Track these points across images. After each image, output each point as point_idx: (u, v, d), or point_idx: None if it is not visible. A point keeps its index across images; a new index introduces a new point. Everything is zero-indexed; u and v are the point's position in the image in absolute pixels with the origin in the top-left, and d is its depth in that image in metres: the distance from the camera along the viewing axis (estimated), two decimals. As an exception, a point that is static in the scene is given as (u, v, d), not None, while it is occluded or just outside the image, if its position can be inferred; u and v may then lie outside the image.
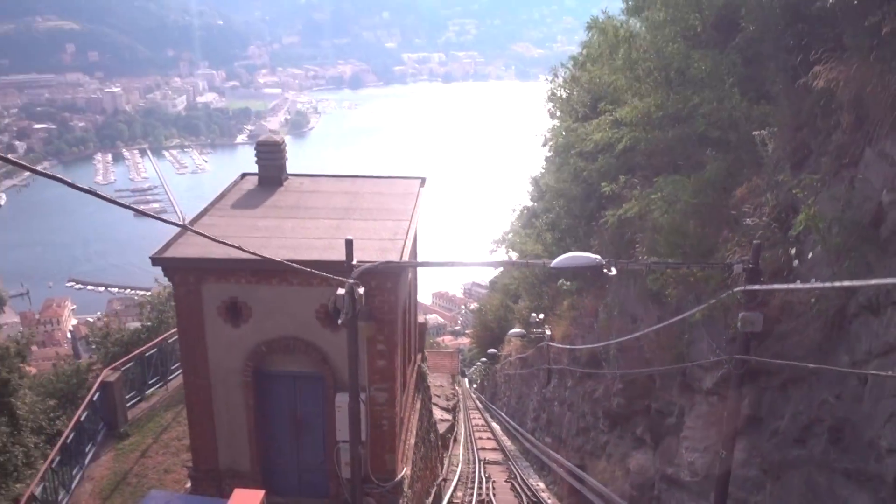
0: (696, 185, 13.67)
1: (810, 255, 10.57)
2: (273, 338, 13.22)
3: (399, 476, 14.10)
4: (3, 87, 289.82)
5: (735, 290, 10.99)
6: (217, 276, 12.88)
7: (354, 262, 11.49)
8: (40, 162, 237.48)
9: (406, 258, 13.11)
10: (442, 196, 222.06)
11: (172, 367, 19.09)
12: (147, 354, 18.46)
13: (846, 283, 8.19)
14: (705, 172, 13.72)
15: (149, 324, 32.42)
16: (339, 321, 11.46)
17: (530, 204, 42.48)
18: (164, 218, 7.93)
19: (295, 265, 10.84)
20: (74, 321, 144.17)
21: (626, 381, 18.50)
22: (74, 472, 14.67)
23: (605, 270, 11.03)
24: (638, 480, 17.53)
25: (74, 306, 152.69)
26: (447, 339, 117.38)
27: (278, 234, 13.90)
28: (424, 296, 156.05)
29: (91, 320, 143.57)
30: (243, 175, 17.53)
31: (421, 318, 21.77)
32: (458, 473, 25.29)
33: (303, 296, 12.95)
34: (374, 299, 12.43)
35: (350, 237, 11.78)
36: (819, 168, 10.84)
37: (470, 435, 37.06)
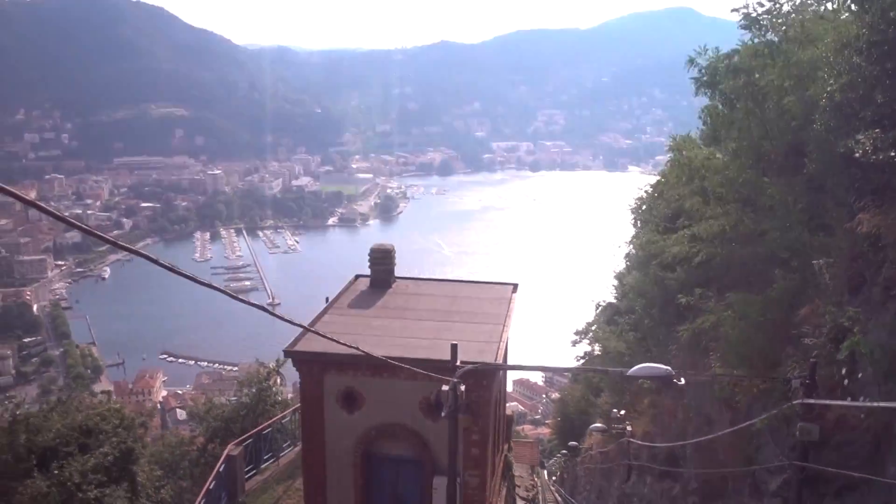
0: (764, 304, 15.27)
1: (860, 375, 12.00)
2: (381, 424, 15.26)
3: (488, 555, 15.70)
4: (117, 167, 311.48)
5: (793, 402, 12.44)
6: (337, 369, 15.10)
7: (458, 363, 13.50)
8: (143, 239, 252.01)
9: (500, 360, 15.06)
10: (527, 281, 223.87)
11: (284, 445, 21.33)
12: (264, 432, 20.81)
13: (891, 405, 9.65)
14: (772, 291, 15.31)
15: (246, 400, 34.84)
16: (442, 414, 13.40)
17: (613, 300, 43.97)
18: (287, 319, 9.78)
19: (404, 364, 12.93)
20: (164, 392, 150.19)
21: (701, 480, 19.62)
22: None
23: (674, 381, 12.69)
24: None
25: (165, 378, 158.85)
26: (527, 427, 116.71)
27: (389, 333, 16.11)
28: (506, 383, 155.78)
29: (180, 392, 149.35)
30: (357, 276, 19.97)
31: (508, 411, 23.49)
32: (537, 563, 26.29)
33: (408, 388, 14.97)
34: (471, 395, 14.34)
35: (454, 341, 13.83)
36: (871, 297, 12.37)
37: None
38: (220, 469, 18.09)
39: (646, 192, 29.16)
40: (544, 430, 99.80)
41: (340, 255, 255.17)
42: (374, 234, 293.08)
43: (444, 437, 14.06)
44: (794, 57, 14.60)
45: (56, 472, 20.82)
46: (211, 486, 17.36)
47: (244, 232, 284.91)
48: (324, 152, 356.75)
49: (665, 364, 20.10)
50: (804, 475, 12.56)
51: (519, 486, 33.20)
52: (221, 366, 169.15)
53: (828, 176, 14.32)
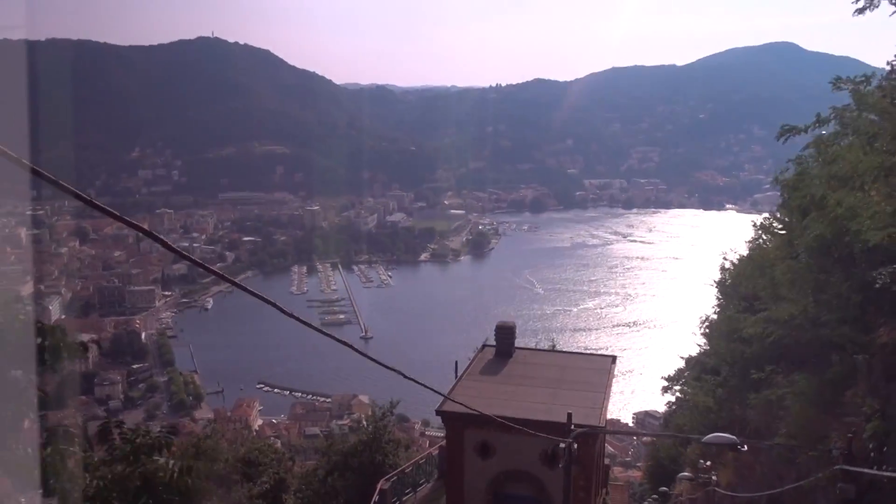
0: (820, 385, 19.15)
1: (885, 448, 15.86)
2: (508, 470, 19.85)
3: (590, 578, 19.99)
4: (222, 202, 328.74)
5: (835, 468, 16.34)
6: (475, 426, 19.78)
7: (572, 426, 17.98)
8: (244, 272, 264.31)
9: (603, 423, 19.46)
10: (620, 321, 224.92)
11: (420, 481, 26.16)
12: (407, 469, 25.73)
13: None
14: (827, 374, 19.18)
15: (364, 437, 39.83)
16: (560, 465, 17.86)
17: (699, 351, 47.48)
18: (428, 386, 13.58)
19: (528, 425, 17.47)
20: (260, 421, 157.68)
21: (773, 527, 23.28)
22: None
23: (739, 447, 16.82)
24: None
25: (262, 407, 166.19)
26: (617, 470, 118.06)
27: (514, 397, 20.74)
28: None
29: (275, 421, 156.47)
30: (483, 346, 24.71)
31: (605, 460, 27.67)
32: None
33: (530, 443, 19.46)
34: (580, 451, 18.75)
35: (568, 407, 18.33)
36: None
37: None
38: (375, 500, 22.96)
39: (729, 266, 32.92)
40: (635, 473, 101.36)
41: (432, 290, 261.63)
42: (465, 269, 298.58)
43: (557, 481, 18.49)
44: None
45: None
46: (369, 513, 22.24)
47: (339, 266, 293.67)
48: (417, 189, 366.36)
49: (743, 423, 24.47)
50: (844, 525, 16.36)
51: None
52: (314, 396, 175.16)
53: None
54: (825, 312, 19.87)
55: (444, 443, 27.71)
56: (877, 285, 15.37)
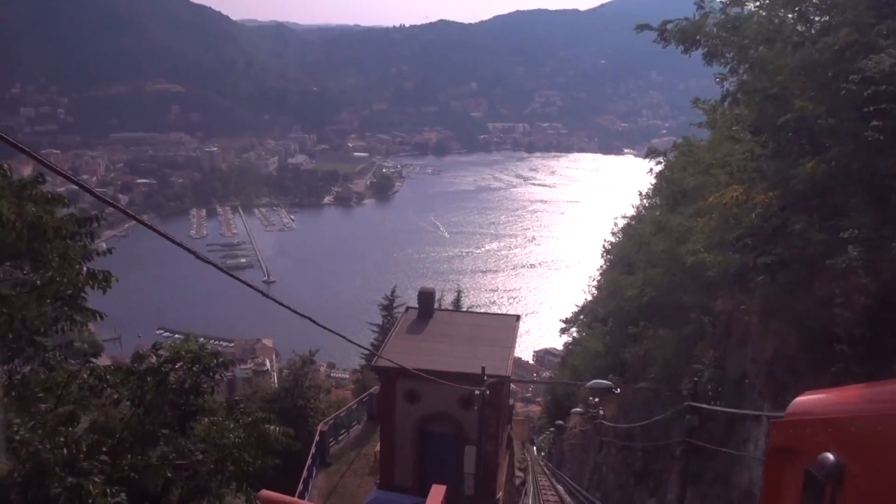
0: (678, 339, 24.46)
1: (720, 388, 21.20)
2: (432, 412, 24.44)
3: (497, 496, 25.01)
4: (113, 143, 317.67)
5: (684, 404, 21.61)
6: (404, 377, 24.16)
7: (485, 377, 22.65)
8: (140, 215, 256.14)
9: (510, 373, 24.25)
10: (521, 261, 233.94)
11: (352, 423, 30.57)
12: (341, 414, 30.09)
13: (732, 410, 18.76)
14: (683, 331, 24.48)
15: (286, 385, 43.89)
16: (474, 408, 22.55)
17: (591, 299, 53.74)
18: (358, 344, 17.86)
19: (448, 375, 22.01)
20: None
21: (644, 451, 28.98)
22: (310, 485, 26.05)
23: (614, 390, 21.89)
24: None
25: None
26: (519, 406, 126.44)
27: (436, 352, 25.25)
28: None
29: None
30: (407, 308, 29.05)
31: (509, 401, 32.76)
32: (528, 514, 35.70)
33: (449, 390, 24.02)
34: (490, 396, 23.48)
35: (481, 361, 22.95)
36: (730, 343, 21.52)
37: (538, 493, 47.07)
38: (316, 440, 27.27)
39: (614, 234, 38.30)
40: (535, 408, 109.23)
41: (336, 234, 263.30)
42: (369, 212, 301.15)
43: (472, 421, 23.22)
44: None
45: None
46: (312, 452, 26.55)
47: (240, 209, 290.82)
48: (320, 131, 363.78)
49: (623, 366, 30.02)
50: (690, 446, 21.72)
51: (514, 456, 42.68)
52: (217, 341, 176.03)
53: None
54: (683, 282, 25.08)
55: (374, 389, 32.29)
56: (710, 273, 20.30)
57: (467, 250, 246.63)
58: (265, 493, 20.58)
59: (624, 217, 43.81)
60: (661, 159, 28.15)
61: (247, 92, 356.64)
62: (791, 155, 14.37)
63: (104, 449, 7.66)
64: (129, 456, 8.49)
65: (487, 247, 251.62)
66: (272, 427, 10.64)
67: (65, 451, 6.91)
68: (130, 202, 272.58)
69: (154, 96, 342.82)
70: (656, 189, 29.36)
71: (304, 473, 25.15)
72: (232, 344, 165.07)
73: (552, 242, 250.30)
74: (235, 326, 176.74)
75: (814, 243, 12.57)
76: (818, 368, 13.70)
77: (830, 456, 3.74)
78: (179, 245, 5.99)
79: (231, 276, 7.64)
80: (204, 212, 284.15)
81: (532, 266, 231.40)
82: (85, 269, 9.19)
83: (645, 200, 33.65)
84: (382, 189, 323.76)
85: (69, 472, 6.97)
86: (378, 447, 26.74)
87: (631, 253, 31.51)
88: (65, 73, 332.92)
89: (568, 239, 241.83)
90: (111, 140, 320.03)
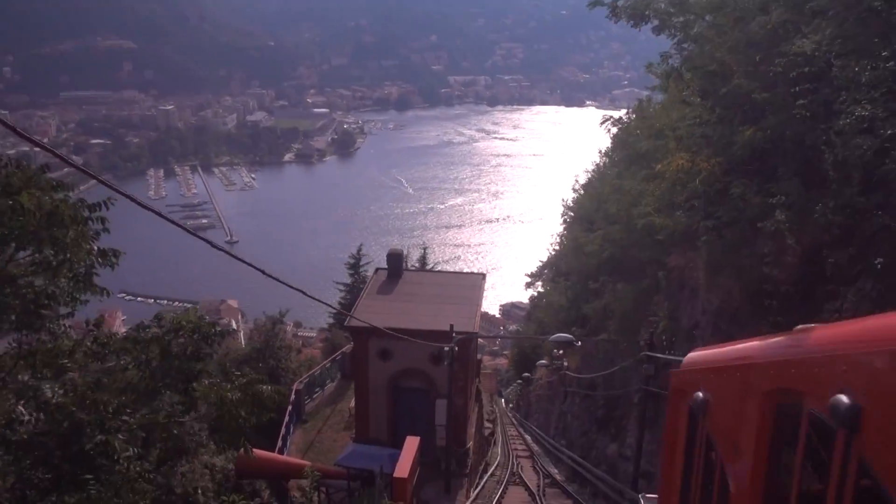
0: (635, 293, 25.99)
1: (674, 339, 22.78)
2: (404, 368, 25.78)
3: (467, 445, 26.57)
4: (63, 103, 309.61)
5: (641, 354, 23.19)
6: (376, 336, 25.43)
7: (453, 333, 23.98)
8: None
9: (477, 329, 25.61)
10: (486, 215, 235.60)
11: (326, 382, 31.85)
12: (315, 373, 31.32)
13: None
14: (640, 286, 26.02)
15: (258, 346, 44.97)
16: (444, 363, 23.92)
17: (554, 253, 55.43)
18: (328, 303, 18.83)
19: (418, 333, 23.30)
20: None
21: (605, 399, 30.75)
22: (287, 441, 27.35)
23: (576, 343, 23.38)
24: (611, 461, 29.67)
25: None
26: (486, 359, 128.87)
27: (406, 312, 26.52)
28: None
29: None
30: (377, 270, 30.19)
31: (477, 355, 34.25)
32: (497, 462, 37.51)
33: (420, 346, 25.35)
34: (458, 351, 24.88)
35: (450, 319, 24.26)
36: (683, 295, 23.06)
37: (506, 442, 49.10)
38: (292, 399, 28.51)
39: (575, 193, 39.67)
40: (502, 361, 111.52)
41: (298, 192, 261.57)
42: (331, 170, 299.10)
43: (442, 375, 24.63)
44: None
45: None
46: (289, 410, 27.81)
47: (199, 169, 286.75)
48: (278, 87, 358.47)
49: (585, 319, 31.57)
50: (647, 393, 23.35)
51: (482, 408, 44.48)
52: (181, 303, 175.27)
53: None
54: (639, 239, 26.54)
55: (346, 348, 33.55)
56: (659, 237, 21.66)
57: (431, 206, 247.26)
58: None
59: (586, 171, 45.18)
60: (616, 124, 29.43)
61: (201, 47, 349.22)
62: (734, 122, 15.65)
63: (127, 410, 8.80)
64: (139, 416, 9.59)
65: (451, 202, 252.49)
66: (266, 386, 11.80)
67: (94, 413, 8.04)
68: (85, 163, 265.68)
69: (104, 53, 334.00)
70: (614, 148, 30.70)
71: (283, 430, 26.41)
72: (197, 305, 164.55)
73: (516, 197, 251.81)
74: (199, 288, 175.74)
75: (751, 206, 13.92)
76: (757, 318, 15.22)
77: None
78: (143, 206, 6.10)
79: (196, 236, 8.04)
80: (162, 172, 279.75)
81: (496, 221, 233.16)
82: (96, 248, 10.12)
83: (604, 158, 35.02)
84: (344, 145, 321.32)
85: (99, 430, 8.11)
86: (352, 403, 28.12)
87: (591, 211, 32.94)
88: (9, 30, 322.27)
89: (531, 193, 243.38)
90: (62, 99, 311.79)
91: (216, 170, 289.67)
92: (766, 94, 12.72)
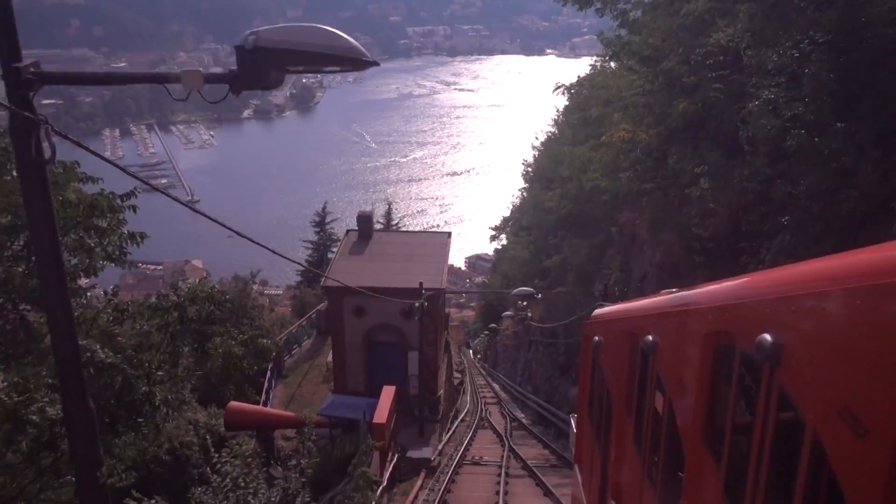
0: (590, 247, 28.15)
1: (626, 290, 25.00)
2: (378, 324, 27.80)
3: (439, 393, 28.80)
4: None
5: (596, 303, 25.39)
6: (351, 295, 27.33)
7: (423, 290, 25.97)
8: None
9: (444, 286, 27.63)
10: (450, 169, 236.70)
11: (303, 339, 33.82)
12: (293, 330, 33.24)
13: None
14: (595, 240, 28.16)
15: (229, 305, 46.61)
16: (415, 318, 25.95)
17: (517, 206, 57.57)
18: (310, 267, 20.42)
19: (390, 291, 25.27)
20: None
21: (566, 346, 33.13)
22: (270, 395, 29.33)
23: (536, 296, 25.54)
24: (573, 403, 32.11)
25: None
26: (453, 311, 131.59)
27: (378, 270, 28.42)
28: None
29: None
30: (348, 231, 31.99)
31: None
32: (467, 409, 39.98)
33: (392, 304, 27.36)
34: (428, 307, 26.92)
35: (419, 276, 26.22)
36: (633, 250, 25.25)
37: (475, 391, 51.69)
38: (273, 355, 30.41)
39: (534, 151, 41.62)
40: (469, 313, 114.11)
41: (258, 149, 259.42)
42: (291, 125, 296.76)
43: (413, 329, 26.69)
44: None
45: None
46: (270, 367, 29.74)
47: (156, 128, 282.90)
48: (233, 41, 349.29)
49: (546, 272, 33.72)
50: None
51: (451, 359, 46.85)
52: (144, 265, 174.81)
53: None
54: (592, 197, 28.59)
55: (321, 306, 35.46)
56: (604, 197, 23.66)
57: (393, 160, 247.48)
58: (233, 404, 23.99)
59: (545, 129, 47.03)
60: (569, 90, 31.32)
61: (150, 2, 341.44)
62: (672, 94, 17.58)
63: (165, 367, 10.67)
64: (163, 370, 11.42)
65: (413, 155, 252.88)
66: (265, 340, 13.64)
67: (140, 370, 9.90)
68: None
69: (51, 9, 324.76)
70: (569, 109, 32.64)
71: (266, 385, 28.38)
72: (160, 266, 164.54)
73: (478, 149, 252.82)
74: (161, 249, 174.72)
75: (684, 173, 15.96)
76: (693, 271, 17.40)
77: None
78: (106, 160, 6.46)
79: (162, 192, 8.62)
80: (117, 132, 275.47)
81: (459, 173, 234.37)
82: (126, 231, 11.81)
83: (561, 117, 36.94)
84: (303, 100, 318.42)
85: (145, 383, 9.97)
86: (329, 358, 30.16)
87: (549, 170, 34.94)
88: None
89: (493, 144, 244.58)
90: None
91: (174, 128, 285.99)
92: (693, 78, 14.66)
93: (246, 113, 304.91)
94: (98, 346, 9.35)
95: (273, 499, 12.96)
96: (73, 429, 5.66)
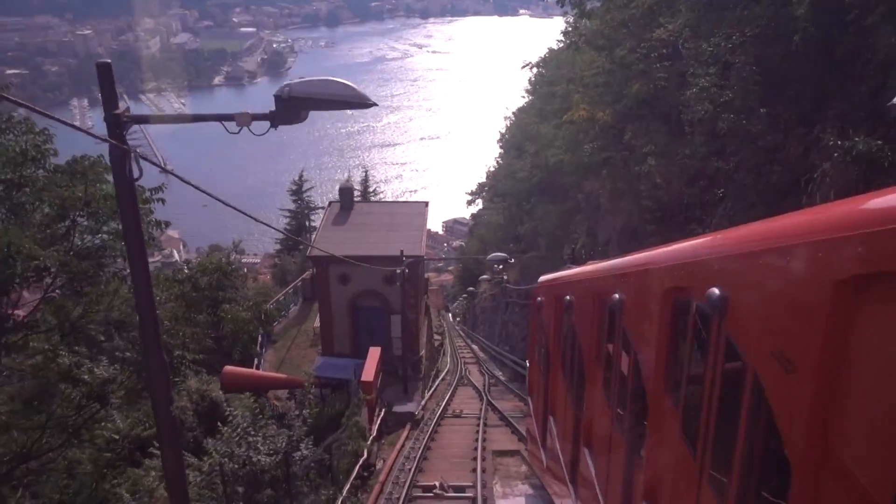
0: (560, 213, 30.23)
1: (592, 253, 27.13)
2: (362, 290, 29.80)
3: (420, 353, 30.96)
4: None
5: (565, 265, 27.50)
6: (336, 263, 29.24)
7: (403, 257, 27.93)
8: (14, 109, 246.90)
9: (423, 253, 29.62)
10: (424, 127, 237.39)
11: (291, 305, 35.76)
12: (280, 298, 35.17)
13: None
14: (564, 206, 30.23)
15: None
16: (398, 283, 27.93)
17: (492, 172, 59.54)
18: (298, 238, 22.12)
19: (372, 259, 27.21)
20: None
21: (539, 307, 35.39)
22: (262, 359, 31.31)
23: (510, 260, 27.64)
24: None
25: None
26: (432, 275, 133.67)
27: (361, 240, 30.33)
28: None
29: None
30: (330, 203, 33.78)
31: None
32: (447, 368, 42.21)
33: (375, 270, 29.32)
34: (409, 273, 28.91)
35: (399, 244, 28.17)
36: (599, 216, 27.36)
37: (455, 353, 53.95)
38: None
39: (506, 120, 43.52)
40: (447, 277, 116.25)
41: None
42: (264, 91, 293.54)
43: (395, 294, 28.72)
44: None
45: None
46: (261, 332, 31.69)
47: (125, 96, 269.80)
48: (201, 6, 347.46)
49: (520, 237, 35.82)
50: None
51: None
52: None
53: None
54: (561, 166, 30.63)
55: (306, 274, 37.36)
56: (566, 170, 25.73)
57: (367, 124, 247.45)
58: (229, 367, 25.97)
59: (521, 94, 48.72)
60: (536, 66, 33.28)
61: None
62: (628, 73, 19.52)
63: (188, 332, 12.64)
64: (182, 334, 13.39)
65: (387, 119, 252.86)
66: (269, 306, 15.61)
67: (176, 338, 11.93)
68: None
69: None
70: (537, 82, 34.57)
71: (257, 350, 30.36)
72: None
73: (452, 112, 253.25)
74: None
75: (638, 148, 17.98)
76: (649, 237, 19.51)
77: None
78: (77, 128, 7.11)
79: (141, 157, 8.34)
80: (86, 101, 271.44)
81: (434, 137, 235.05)
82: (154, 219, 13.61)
83: (532, 87, 38.84)
84: (275, 66, 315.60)
85: (178, 349, 11.98)
86: (316, 323, 32.16)
87: (521, 140, 36.88)
88: None
89: (468, 107, 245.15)
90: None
91: (144, 97, 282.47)
92: (641, 65, 16.59)
93: (217, 80, 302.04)
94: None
95: (280, 444, 15.04)
96: (152, 376, 7.63)
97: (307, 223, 58.22)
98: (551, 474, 12.02)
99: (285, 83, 6.74)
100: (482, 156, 76.18)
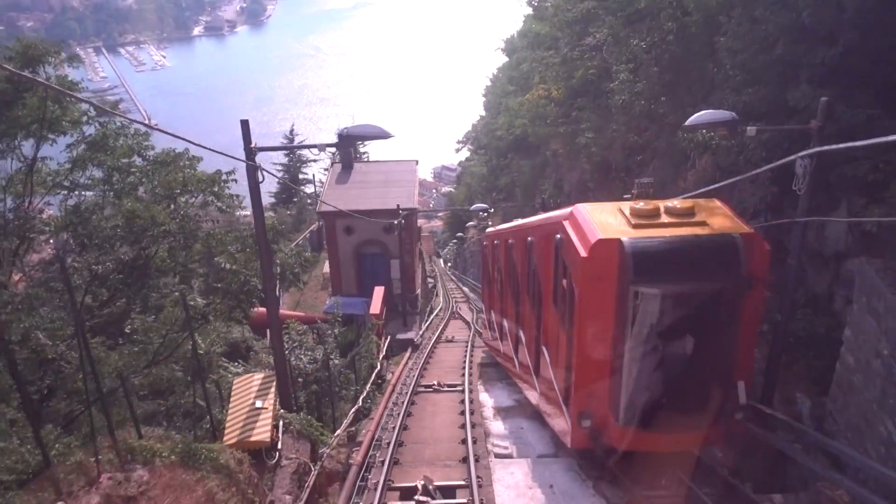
0: (533, 167, 35.77)
1: (559, 200, 32.80)
2: (365, 239, 35.49)
3: (417, 291, 36.82)
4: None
5: (536, 213, 33.17)
6: (342, 218, 34.81)
7: (399, 210, 33.53)
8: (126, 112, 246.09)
9: (416, 205, 35.24)
10: (411, 74, 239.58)
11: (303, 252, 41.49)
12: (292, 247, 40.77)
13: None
14: (537, 160, 35.74)
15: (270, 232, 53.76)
16: (396, 233, 33.57)
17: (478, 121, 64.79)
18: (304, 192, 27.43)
19: (373, 212, 32.80)
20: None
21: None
22: (280, 301, 37.00)
23: (490, 210, 33.27)
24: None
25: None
26: (423, 222, 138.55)
27: (362, 196, 35.88)
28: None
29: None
30: (332, 163, 39.23)
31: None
32: (440, 306, 48.14)
33: (375, 222, 34.92)
34: (404, 223, 34.53)
35: (395, 199, 33.74)
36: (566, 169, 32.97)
37: (447, 294, 59.86)
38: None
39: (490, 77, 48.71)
40: (437, 223, 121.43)
41: (213, 67, 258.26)
42: (245, 41, 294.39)
43: (394, 242, 34.44)
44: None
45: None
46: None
47: (104, 50, 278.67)
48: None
49: (501, 187, 41.66)
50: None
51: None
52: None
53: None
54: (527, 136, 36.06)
55: (313, 227, 42.94)
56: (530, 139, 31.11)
57: (351, 72, 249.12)
58: (258, 308, 31.78)
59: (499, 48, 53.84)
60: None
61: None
62: (575, 62, 24.98)
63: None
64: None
65: (373, 65, 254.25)
66: (307, 253, 21.14)
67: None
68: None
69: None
70: (511, 51, 39.99)
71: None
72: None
73: (437, 56, 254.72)
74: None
75: (582, 122, 23.55)
76: (597, 191, 25.19)
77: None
78: (56, 89, 8.38)
79: (119, 115, 13.36)
80: (63, 56, 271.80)
81: (421, 83, 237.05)
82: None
83: (504, 54, 44.24)
84: (255, 14, 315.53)
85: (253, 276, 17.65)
86: (326, 269, 37.85)
87: (499, 97, 42.18)
88: None
89: (455, 52, 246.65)
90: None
91: (122, 50, 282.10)
92: (579, 61, 22.02)
93: (196, 30, 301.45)
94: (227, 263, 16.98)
95: (318, 355, 20.86)
96: (266, 292, 13.39)
97: (299, 175, 62.55)
98: (495, 341, 21.05)
99: (343, 127, 12.19)
100: (470, 101, 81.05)
